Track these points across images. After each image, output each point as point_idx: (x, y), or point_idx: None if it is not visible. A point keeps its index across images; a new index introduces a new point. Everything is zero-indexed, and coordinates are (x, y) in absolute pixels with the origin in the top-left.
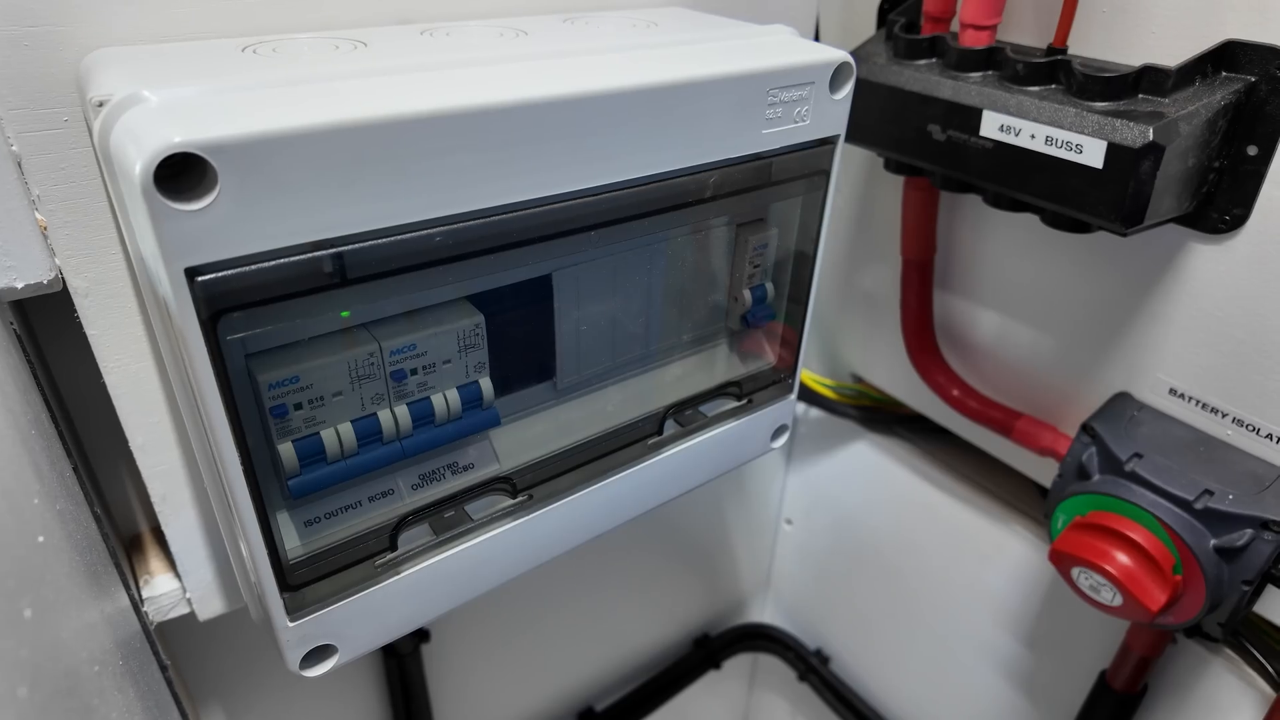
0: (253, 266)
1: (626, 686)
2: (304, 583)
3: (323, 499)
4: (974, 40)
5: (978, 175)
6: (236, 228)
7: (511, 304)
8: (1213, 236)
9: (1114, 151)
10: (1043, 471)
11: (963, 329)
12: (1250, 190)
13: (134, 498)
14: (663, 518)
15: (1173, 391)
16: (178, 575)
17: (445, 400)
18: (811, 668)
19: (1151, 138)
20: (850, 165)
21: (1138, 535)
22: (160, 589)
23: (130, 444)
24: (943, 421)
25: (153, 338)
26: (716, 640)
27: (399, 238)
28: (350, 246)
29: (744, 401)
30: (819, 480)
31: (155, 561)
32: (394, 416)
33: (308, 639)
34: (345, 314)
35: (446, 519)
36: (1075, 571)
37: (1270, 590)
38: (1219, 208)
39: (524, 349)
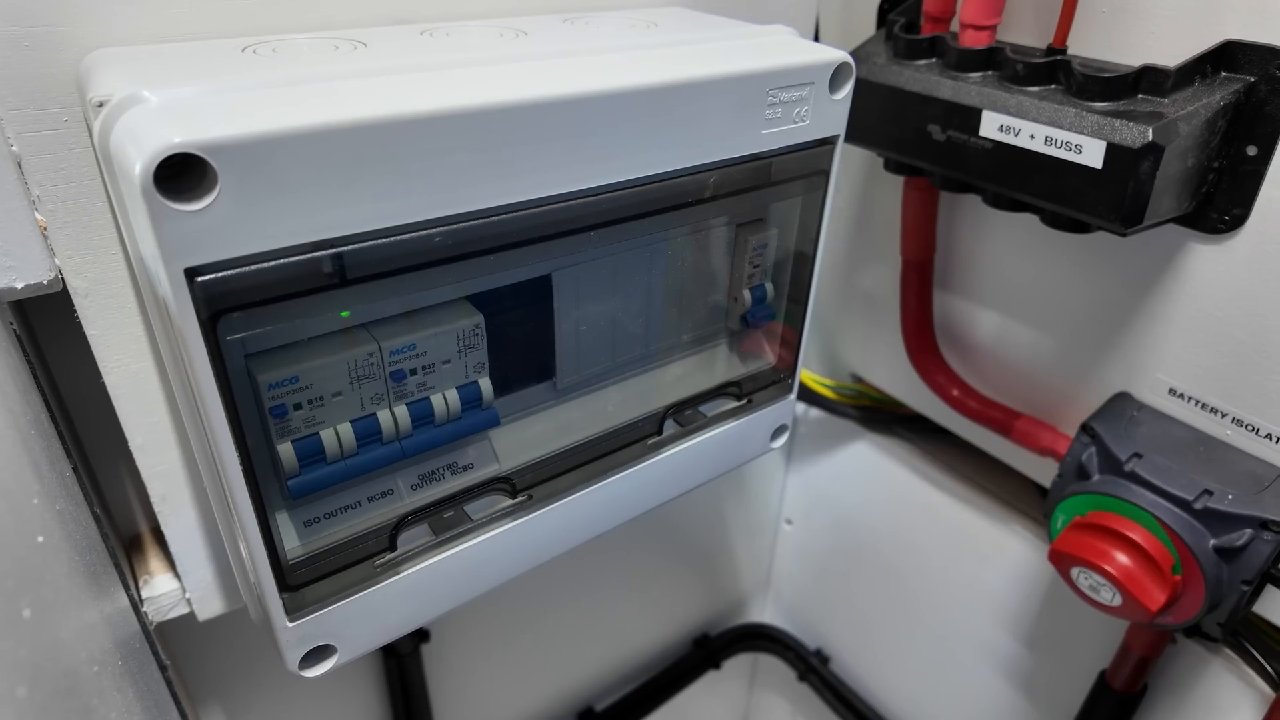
0: (252, 267)
1: (626, 686)
2: (303, 583)
3: (322, 499)
4: (974, 40)
5: (977, 175)
6: (236, 228)
7: (511, 304)
8: (1212, 236)
9: (1113, 152)
10: (1042, 471)
11: (962, 329)
12: (1250, 190)
13: (134, 498)
14: (663, 518)
15: (1172, 391)
16: (177, 575)
17: (445, 400)
18: (811, 668)
19: (1151, 138)
20: (850, 165)
21: (1137, 535)
22: (160, 589)
23: (130, 444)
24: (942, 421)
25: (152, 338)
26: (716, 640)
27: (399, 238)
28: (350, 247)
29: (744, 401)
30: (819, 480)
31: (155, 561)
32: (393, 417)
33: (307, 639)
34: (345, 314)
35: (446, 519)
36: (1075, 571)
37: (1270, 590)
38: (1218, 208)
39: (524, 349)
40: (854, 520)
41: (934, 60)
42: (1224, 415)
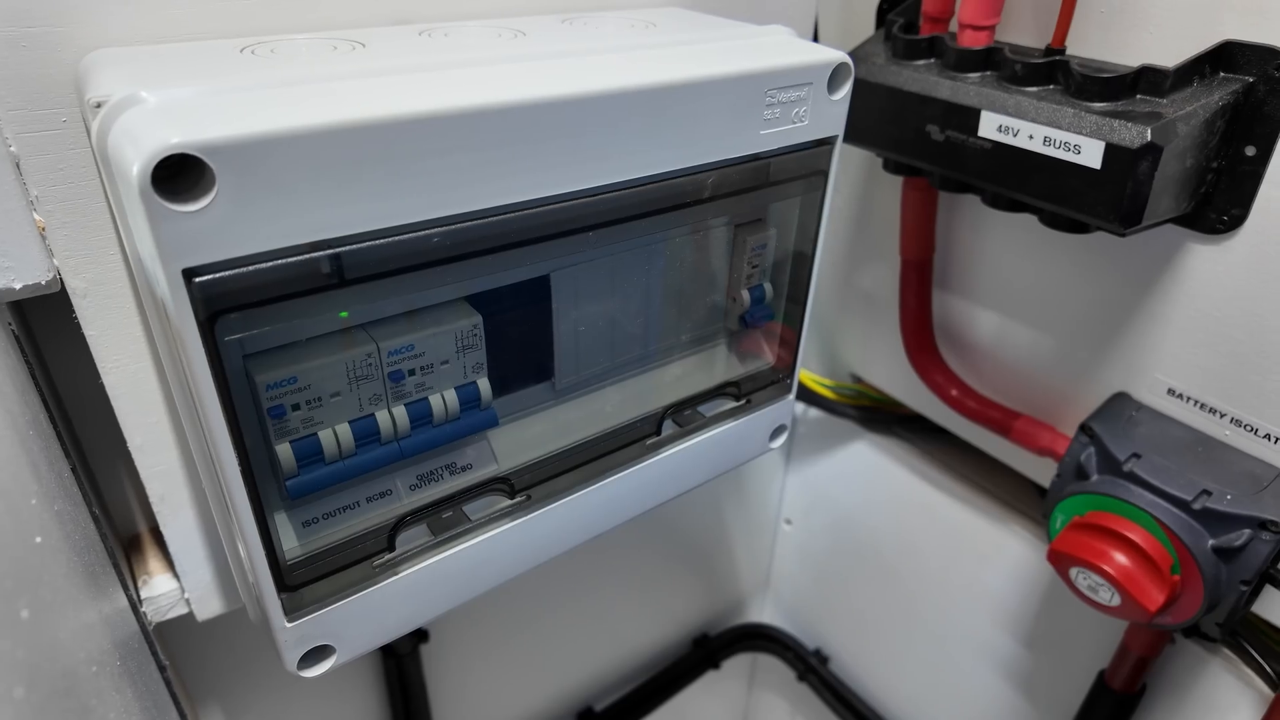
0: (250, 267)
1: (626, 686)
2: (302, 583)
3: (321, 499)
4: (972, 40)
5: (976, 175)
6: (234, 228)
7: (510, 304)
8: (1211, 237)
9: (1112, 152)
10: (1041, 471)
11: (961, 329)
12: (1248, 190)
13: (132, 498)
14: (662, 518)
15: (1171, 392)
16: (176, 575)
17: (443, 401)
18: (811, 668)
19: (1149, 138)
20: (849, 165)
21: (1136, 535)
22: (159, 589)
23: (129, 444)
24: (941, 421)
25: (151, 338)
26: (716, 640)
27: (397, 238)
28: (348, 247)
29: (743, 402)
30: (818, 480)
31: (154, 562)
32: (392, 417)
33: (306, 639)
34: (343, 314)
35: (445, 519)
36: (1074, 571)
37: (1268, 590)
38: (1217, 208)
39: (522, 349)
40: (853, 520)
41: (933, 60)
42: (1223, 415)
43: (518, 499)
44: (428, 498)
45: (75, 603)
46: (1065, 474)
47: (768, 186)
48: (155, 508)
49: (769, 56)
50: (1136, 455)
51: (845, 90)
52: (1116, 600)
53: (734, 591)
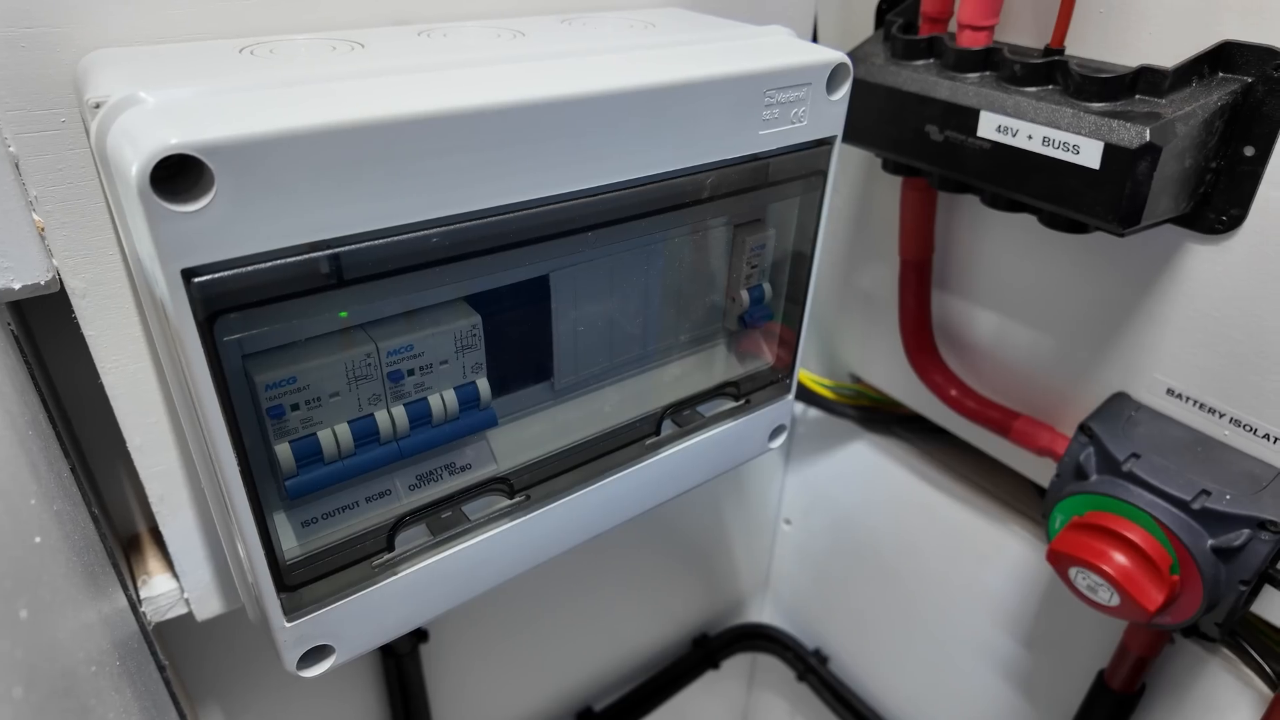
0: (249, 268)
1: (625, 686)
2: (301, 583)
3: (320, 500)
4: (971, 41)
5: (975, 176)
6: (233, 229)
7: (509, 304)
8: (1210, 237)
9: (1111, 152)
10: (1041, 471)
11: (961, 329)
12: (1247, 191)
13: (132, 498)
14: (661, 518)
15: (1170, 392)
16: (175, 575)
17: (442, 401)
18: (810, 667)
19: (1148, 138)
20: (848, 165)
21: (1135, 535)
22: (158, 589)
23: (128, 444)
24: (941, 421)
25: (150, 338)
26: (715, 640)
27: (396, 238)
28: (347, 247)
29: (742, 402)
30: (817, 480)
31: (153, 562)
32: (391, 417)
33: (305, 639)
34: (343, 315)
35: (444, 519)
36: (1073, 571)
37: (1267, 590)
38: (1216, 208)
39: (521, 349)
40: (853, 520)
41: (932, 61)
42: (1222, 415)
43: (517, 499)
44: (427, 498)
45: (74, 603)
46: (1064, 474)
47: (767, 187)
48: (154, 508)
49: (768, 57)
50: (1136, 455)
51: (844, 90)
52: (1116, 600)
53: (733, 591)
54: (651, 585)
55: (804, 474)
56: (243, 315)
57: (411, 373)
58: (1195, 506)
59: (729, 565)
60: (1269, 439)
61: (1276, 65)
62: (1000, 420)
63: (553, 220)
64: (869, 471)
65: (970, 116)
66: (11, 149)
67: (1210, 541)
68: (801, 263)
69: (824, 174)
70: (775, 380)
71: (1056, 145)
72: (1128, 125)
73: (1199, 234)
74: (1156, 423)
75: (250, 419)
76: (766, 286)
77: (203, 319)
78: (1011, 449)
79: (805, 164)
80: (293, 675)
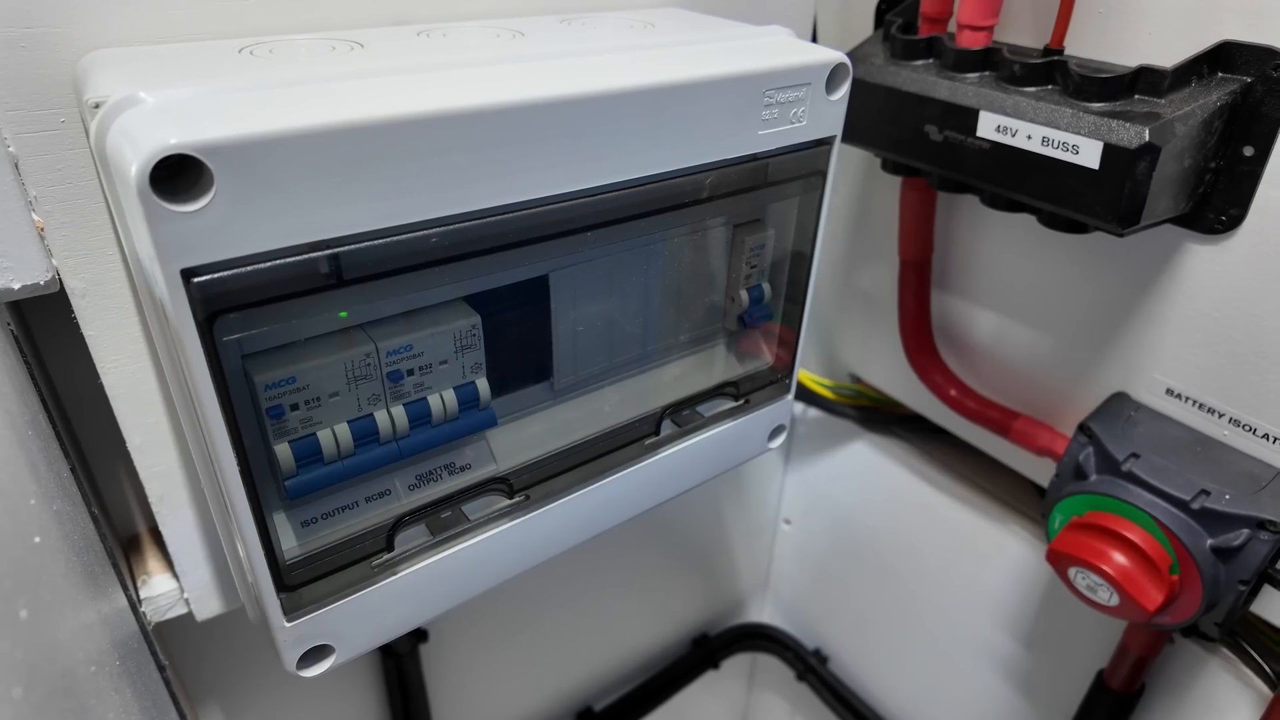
0: (249, 268)
1: (625, 686)
2: (301, 583)
3: (319, 499)
4: (971, 41)
5: (974, 176)
6: (233, 229)
7: (508, 304)
8: (1209, 237)
9: (1110, 152)
10: (1040, 471)
11: (960, 329)
12: (1246, 191)
13: (132, 498)
14: (661, 518)
15: (1170, 392)
16: (175, 575)
17: (442, 401)
18: (810, 667)
19: (1147, 138)
20: (848, 165)
21: (1134, 535)
22: (158, 589)
23: (128, 444)
24: (940, 421)
25: (150, 338)
26: (715, 640)
27: (396, 238)
28: (347, 247)
29: (741, 402)
30: (817, 480)
31: (153, 562)
32: (390, 417)
33: (305, 639)
34: (342, 315)
35: (443, 519)
36: (1072, 571)
37: (1267, 590)
38: (1215, 208)
39: (521, 349)
40: (852, 520)
41: (931, 61)
42: (1221, 415)
43: (516, 499)
44: (426, 498)
45: (74, 603)
46: (1064, 474)
47: (766, 187)
48: (154, 508)
49: (767, 57)
50: (1135, 455)
51: (843, 90)
52: (1115, 600)
53: (733, 591)
54: (651, 585)
55: (804, 474)
56: (242, 315)
57: (411, 373)
58: (1195, 506)
59: (729, 565)
60: (1269, 439)
61: (1276, 65)
62: (1000, 420)
63: (552, 220)
64: (869, 471)
65: (970, 116)
66: (11, 149)
67: (1210, 541)
68: (801, 263)
69: (823, 174)
70: (775, 380)
71: (1056, 145)
72: (1127, 125)
73: (1198, 234)
74: (1156, 423)
75: (250, 419)
76: (766, 286)
77: (202, 319)
78: (1011, 449)
79: (805, 164)
80: (292, 675)
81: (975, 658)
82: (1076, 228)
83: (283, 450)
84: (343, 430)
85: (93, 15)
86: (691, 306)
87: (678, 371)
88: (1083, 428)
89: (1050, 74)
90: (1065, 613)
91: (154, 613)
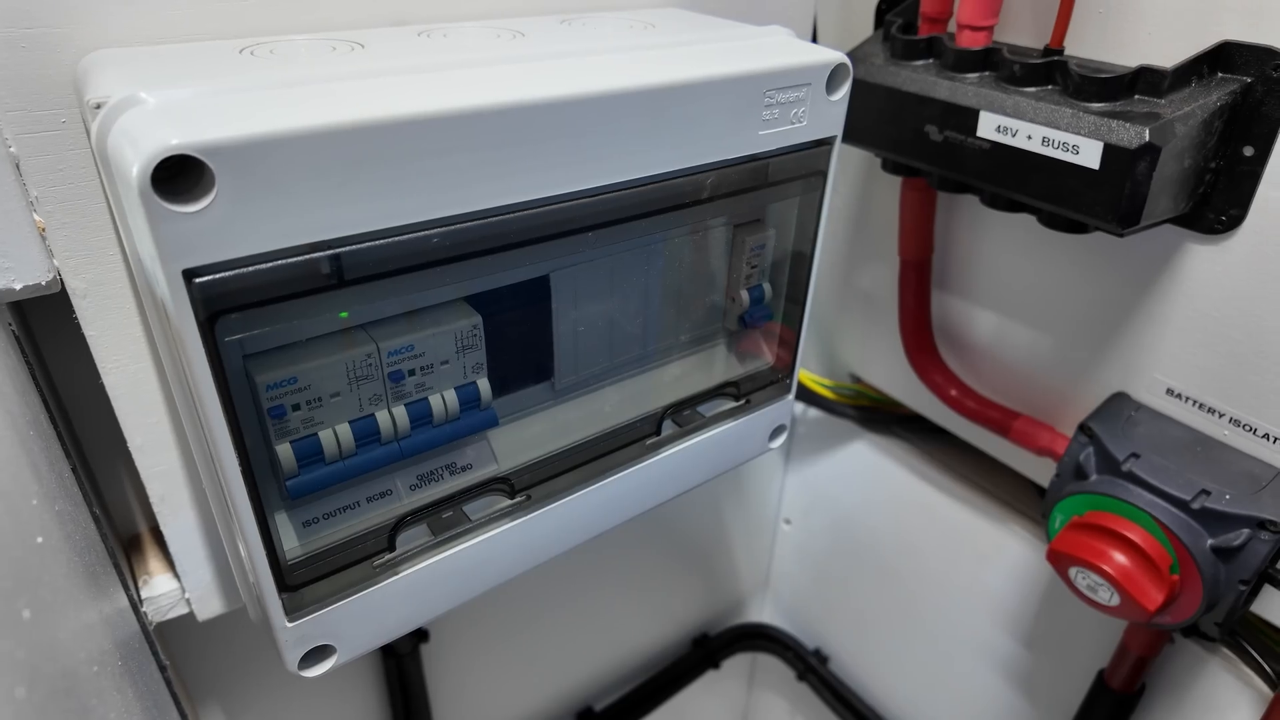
0: (250, 268)
1: (625, 686)
2: (302, 583)
3: (321, 500)
4: (971, 41)
5: (974, 176)
6: (234, 229)
7: (509, 305)
8: (1209, 237)
9: (1110, 152)
10: (1040, 471)
11: (960, 329)
12: (1246, 191)
13: (133, 498)
14: (661, 518)
15: (1170, 392)
16: (177, 576)
17: (443, 401)
18: (810, 667)
19: (1147, 138)
20: (848, 165)
21: (1135, 535)
22: (159, 589)
23: (129, 445)
24: (941, 421)
25: (151, 339)
26: (715, 640)
27: (397, 239)
28: (348, 248)
29: (742, 402)
30: (817, 480)
31: (154, 562)
32: (392, 417)
33: (306, 639)
34: (343, 315)
35: (445, 519)
36: (1073, 571)
37: (1267, 590)
38: (1215, 208)
39: (522, 350)
40: (853, 520)
41: (931, 61)
42: (1221, 415)
43: (518, 499)
44: (428, 498)
45: (76, 603)
46: (1064, 474)
47: (766, 187)
48: (155, 508)
49: (767, 57)
50: (1135, 455)
51: (844, 91)
52: (1116, 600)
53: (733, 591)
54: (651, 585)
55: (804, 474)
56: (244, 315)
57: (412, 373)
58: (1195, 506)
59: (729, 565)
60: (1269, 439)
61: (1276, 65)
62: (1000, 420)
63: (553, 220)
64: (869, 471)
65: (970, 116)
66: (12, 149)
67: (1210, 541)
68: (801, 263)
69: (824, 174)
70: (775, 380)
71: (1056, 145)
72: (1127, 125)
73: (1198, 234)
74: (1156, 422)
75: (251, 419)
76: (766, 286)
77: (204, 319)
78: (1011, 449)
79: (805, 164)
80: (294, 675)
81: (975, 658)
82: (1076, 228)
83: (284, 450)
84: (344, 430)
85: (93, 15)
86: (692, 306)
87: (678, 371)
88: (1083, 428)
89: (1050, 74)
90: (1065, 613)
91: (155, 613)
